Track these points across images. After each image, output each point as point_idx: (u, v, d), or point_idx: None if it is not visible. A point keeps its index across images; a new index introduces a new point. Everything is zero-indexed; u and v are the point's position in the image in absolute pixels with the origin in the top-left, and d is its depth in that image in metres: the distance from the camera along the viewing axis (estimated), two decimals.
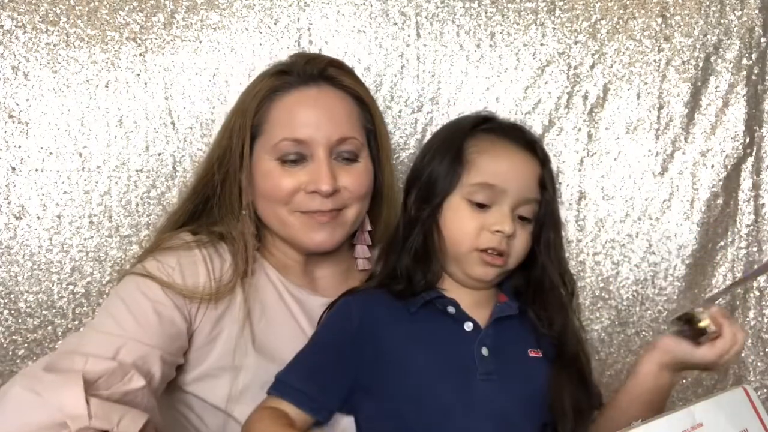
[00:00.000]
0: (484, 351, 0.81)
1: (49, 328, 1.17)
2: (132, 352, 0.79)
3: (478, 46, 1.25)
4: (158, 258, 0.89)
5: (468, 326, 0.82)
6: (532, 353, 0.84)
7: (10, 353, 1.16)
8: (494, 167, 0.83)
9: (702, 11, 1.27)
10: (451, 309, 0.83)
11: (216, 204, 0.94)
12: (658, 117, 1.28)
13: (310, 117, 0.90)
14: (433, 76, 1.25)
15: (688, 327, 0.79)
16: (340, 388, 0.81)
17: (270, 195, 0.91)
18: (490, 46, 1.25)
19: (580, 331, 0.90)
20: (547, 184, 0.85)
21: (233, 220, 0.92)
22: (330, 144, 0.90)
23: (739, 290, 1.31)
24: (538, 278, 0.86)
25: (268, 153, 0.90)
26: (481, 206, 0.82)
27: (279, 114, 0.91)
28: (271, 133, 0.91)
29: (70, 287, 1.18)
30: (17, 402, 0.70)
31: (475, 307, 0.84)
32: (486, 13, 1.25)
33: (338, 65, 0.97)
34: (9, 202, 1.16)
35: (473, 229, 0.82)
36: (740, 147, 1.30)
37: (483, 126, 0.88)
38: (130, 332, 0.81)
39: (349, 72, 0.98)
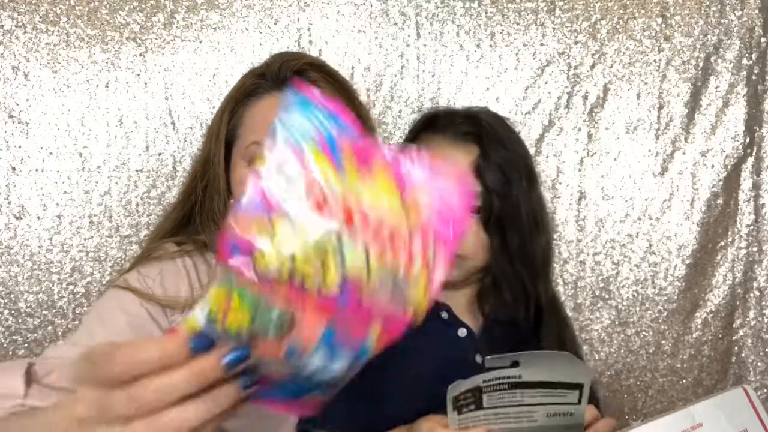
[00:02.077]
0: (478, 358, 0.80)
1: (49, 328, 1.17)
2: None
3: (478, 46, 1.25)
4: (140, 270, 0.88)
5: (461, 332, 0.81)
6: None
7: (10, 353, 1.16)
8: None
9: (702, 11, 1.27)
10: (444, 314, 0.81)
11: (198, 212, 0.92)
12: (658, 117, 1.28)
13: None
14: (433, 76, 1.25)
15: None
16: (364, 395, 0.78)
17: None
18: (490, 46, 1.25)
19: (558, 303, 0.87)
20: (483, 170, 0.79)
21: (215, 227, 0.90)
22: None
23: (739, 290, 1.31)
24: (491, 268, 0.82)
25: (242, 158, 0.88)
26: None
27: (251, 119, 0.89)
28: (243, 137, 0.89)
29: (70, 287, 1.18)
30: None
31: (468, 311, 0.82)
32: (486, 13, 1.25)
33: (316, 67, 0.94)
34: (9, 202, 1.16)
35: None
36: (740, 147, 1.30)
37: (426, 127, 0.86)
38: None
39: (328, 73, 0.94)
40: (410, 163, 0.46)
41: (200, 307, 0.45)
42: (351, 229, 0.42)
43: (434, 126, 0.85)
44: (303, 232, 0.42)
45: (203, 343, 0.42)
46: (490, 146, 0.81)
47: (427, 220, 0.45)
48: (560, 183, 1.28)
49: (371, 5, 1.23)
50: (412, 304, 0.45)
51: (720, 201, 1.30)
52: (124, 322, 0.82)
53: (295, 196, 0.43)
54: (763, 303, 1.31)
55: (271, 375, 0.44)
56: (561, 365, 0.67)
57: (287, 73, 0.91)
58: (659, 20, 1.27)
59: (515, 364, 0.66)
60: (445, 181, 0.46)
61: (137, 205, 1.19)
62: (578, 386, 0.66)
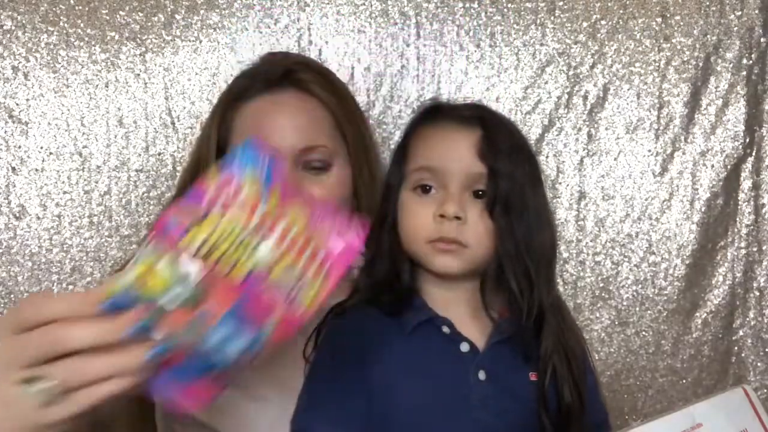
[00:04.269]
0: (481, 375, 0.76)
1: None
2: None
3: (478, 46, 1.25)
4: None
5: (464, 347, 0.76)
6: (533, 377, 0.77)
7: None
8: (429, 149, 0.78)
9: (702, 11, 1.27)
10: (445, 329, 0.77)
11: None
12: (658, 117, 1.28)
13: (272, 127, 0.85)
14: (433, 76, 1.25)
15: None
16: (363, 416, 0.74)
17: None
18: (490, 46, 1.25)
19: (562, 307, 0.83)
20: (487, 152, 0.76)
21: None
22: (294, 154, 0.85)
23: (739, 290, 1.31)
24: (493, 259, 0.78)
25: None
26: (428, 194, 0.77)
27: (241, 123, 0.88)
28: (234, 143, 0.87)
29: (70, 287, 1.18)
30: None
31: (471, 322, 0.78)
32: (486, 13, 1.25)
33: (306, 66, 0.92)
34: (9, 202, 1.16)
35: (421, 219, 0.76)
36: (740, 147, 1.30)
37: (427, 116, 0.83)
38: None
39: (320, 72, 0.92)
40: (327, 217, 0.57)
41: (124, 274, 0.49)
42: (268, 235, 0.52)
43: (435, 114, 0.82)
44: (228, 226, 0.51)
45: (113, 308, 0.46)
46: (495, 129, 0.79)
47: (326, 242, 0.55)
48: (560, 183, 1.28)
49: (371, 5, 1.23)
50: (304, 305, 0.53)
51: (720, 201, 1.30)
52: None
53: (229, 204, 0.52)
54: (763, 303, 1.31)
55: (175, 350, 0.49)
56: None
57: (277, 73, 0.89)
58: (659, 20, 1.27)
59: None
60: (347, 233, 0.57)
61: (137, 205, 1.19)
62: None
